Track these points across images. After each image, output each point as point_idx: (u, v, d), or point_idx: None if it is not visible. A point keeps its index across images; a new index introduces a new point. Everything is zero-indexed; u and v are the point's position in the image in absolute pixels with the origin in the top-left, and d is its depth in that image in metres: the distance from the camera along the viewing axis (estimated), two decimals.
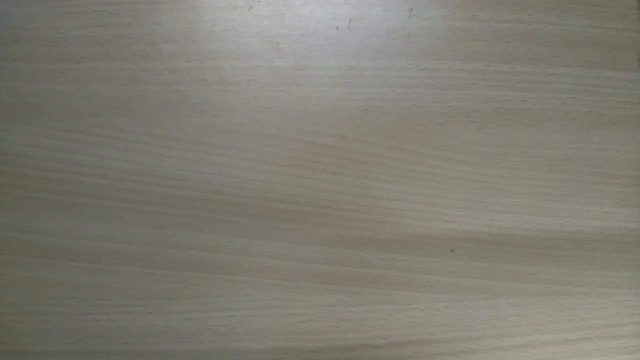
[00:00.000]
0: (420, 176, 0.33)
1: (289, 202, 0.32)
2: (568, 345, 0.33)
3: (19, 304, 0.32)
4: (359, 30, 0.33)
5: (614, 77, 0.33)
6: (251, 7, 0.32)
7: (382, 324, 0.32)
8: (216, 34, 0.32)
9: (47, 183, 0.32)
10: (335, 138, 0.33)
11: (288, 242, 0.32)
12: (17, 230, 0.32)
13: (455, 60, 0.33)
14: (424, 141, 0.33)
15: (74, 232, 0.32)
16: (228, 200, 0.32)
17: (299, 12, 0.32)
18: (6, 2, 0.32)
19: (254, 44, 0.32)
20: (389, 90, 0.33)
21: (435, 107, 0.33)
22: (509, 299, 0.33)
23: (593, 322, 0.33)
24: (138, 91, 0.32)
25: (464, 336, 0.33)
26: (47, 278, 0.32)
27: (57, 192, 0.32)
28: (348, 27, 0.33)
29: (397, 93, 0.33)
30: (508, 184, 0.33)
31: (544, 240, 0.33)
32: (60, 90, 0.32)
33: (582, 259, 0.33)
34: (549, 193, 0.33)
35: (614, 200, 0.33)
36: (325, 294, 0.32)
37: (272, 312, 0.32)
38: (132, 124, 0.32)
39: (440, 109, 0.33)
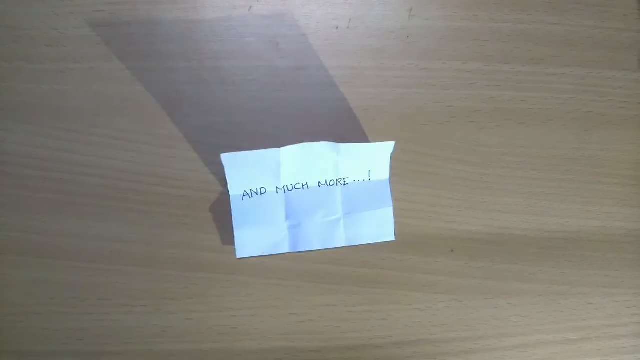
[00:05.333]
0: (420, 176, 0.33)
1: None
2: (568, 345, 0.33)
3: (19, 304, 0.32)
4: (359, 30, 0.33)
5: (614, 77, 0.33)
6: (251, 7, 0.32)
7: (382, 324, 0.32)
8: (216, 34, 0.32)
9: (47, 183, 0.32)
10: (335, 138, 0.33)
11: None
12: (17, 230, 0.32)
13: (455, 60, 0.33)
14: (424, 141, 0.33)
15: (74, 232, 0.32)
16: (228, 200, 0.32)
17: (299, 12, 0.32)
18: (6, 2, 0.32)
19: (254, 44, 0.32)
20: (389, 90, 0.33)
21: (435, 107, 0.33)
22: (509, 299, 0.33)
23: (593, 322, 0.33)
24: (138, 91, 0.32)
25: (464, 336, 0.33)
26: (47, 278, 0.32)
27: (57, 192, 0.32)
28: (348, 27, 0.33)
29: (397, 93, 0.33)
30: (508, 184, 0.33)
31: (544, 240, 0.33)
32: (60, 90, 0.32)
33: (582, 259, 0.33)
34: (549, 193, 0.33)
35: (614, 200, 0.33)
36: (325, 294, 0.32)
37: (272, 312, 0.32)
38: (132, 124, 0.32)
39: (440, 109, 0.33)
